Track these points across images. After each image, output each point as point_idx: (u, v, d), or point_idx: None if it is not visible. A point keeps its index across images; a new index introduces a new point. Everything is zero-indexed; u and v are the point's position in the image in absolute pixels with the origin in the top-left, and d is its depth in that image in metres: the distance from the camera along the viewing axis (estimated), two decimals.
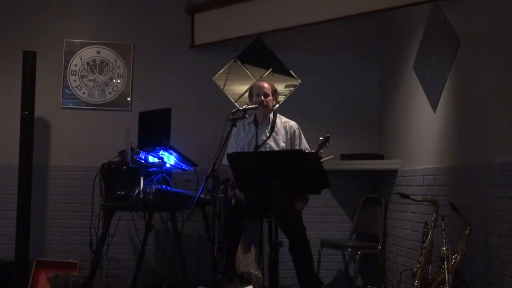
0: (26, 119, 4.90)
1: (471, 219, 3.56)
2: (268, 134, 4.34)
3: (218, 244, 4.20)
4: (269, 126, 4.37)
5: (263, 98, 4.32)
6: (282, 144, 4.33)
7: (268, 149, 4.29)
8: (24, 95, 4.92)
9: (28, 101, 4.91)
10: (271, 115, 4.43)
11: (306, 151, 4.28)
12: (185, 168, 4.75)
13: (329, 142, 4.09)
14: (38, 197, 5.12)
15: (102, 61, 5.42)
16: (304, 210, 4.23)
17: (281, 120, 4.44)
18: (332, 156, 4.25)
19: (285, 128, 4.39)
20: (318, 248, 4.95)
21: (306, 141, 4.40)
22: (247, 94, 4.70)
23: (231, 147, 4.32)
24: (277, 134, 4.35)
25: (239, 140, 4.42)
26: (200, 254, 4.97)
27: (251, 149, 4.32)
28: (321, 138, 4.11)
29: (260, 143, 4.32)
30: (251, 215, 4.25)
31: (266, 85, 4.40)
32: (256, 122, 4.40)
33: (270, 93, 4.37)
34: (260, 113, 4.39)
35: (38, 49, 5.04)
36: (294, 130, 4.39)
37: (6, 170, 5.14)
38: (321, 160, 4.08)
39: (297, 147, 4.35)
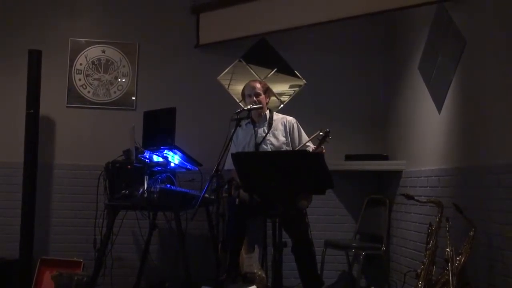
0: (31, 118, 4.91)
1: (475, 221, 3.55)
2: (266, 131, 4.35)
3: (222, 244, 4.21)
4: (266, 123, 4.39)
5: (254, 98, 4.33)
6: (282, 139, 4.34)
7: (268, 145, 4.31)
8: (29, 93, 4.94)
9: (33, 100, 4.93)
10: (267, 112, 4.45)
11: (308, 144, 4.29)
12: (190, 168, 4.75)
13: (329, 137, 4.04)
14: (43, 196, 5.15)
15: (107, 60, 5.43)
16: (308, 210, 4.23)
17: (278, 116, 4.47)
18: (319, 132, 4.04)
19: (283, 123, 4.41)
20: (322, 249, 4.95)
21: (310, 143, 4.39)
22: None
23: (231, 150, 4.31)
24: (275, 130, 4.37)
25: (239, 142, 4.43)
26: (203, 254, 4.97)
27: (251, 148, 4.33)
28: (321, 133, 4.03)
29: (259, 140, 4.33)
30: (255, 215, 4.25)
31: (257, 85, 4.42)
32: (253, 122, 4.41)
33: (261, 92, 4.38)
34: (255, 112, 4.40)
35: (44, 48, 5.06)
36: (292, 125, 4.41)
37: (10, 168, 5.16)
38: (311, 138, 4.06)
39: (297, 141, 4.36)
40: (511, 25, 3.42)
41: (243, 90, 4.53)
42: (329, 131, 4.03)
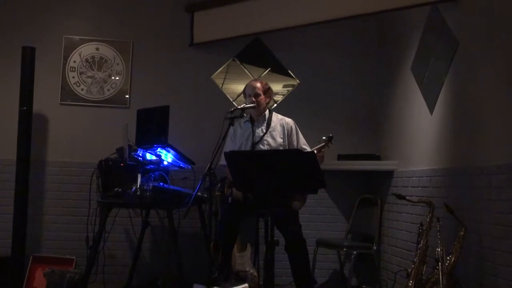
0: (24, 115, 4.90)
1: (466, 221, 3.58)
2: (264, 131, 4.36)
3: (214, 242, 4.21)
4: (265, 123, 4.40)
5: (253, 98, 4.34)
6: (280, 140, 4.35)
7: (265, 145, 4.32)
8: (22, 90, 4.92)
9: (26, 97, 4.92)
10: (267, 112, 4.46)
11: (304, 146, 4.33)
12: (183, 166, 4.76)
13: (331, 142, 4.12)
14: (35, 193, 5.14)
15: (101, 58, 5.43)
16: (300, 210, 4.24)
17: (277, 117, 4.47)
18: (323, 144, 4.18)
19: (281, 125, 4.41)
20: (314, 248, 4.97)
21: (308, 147, 4.41)
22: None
23: (228, 147, 4.33)
24: (273, 130, 4.37)
25: (236, 140, 4.44)
26: (196, 252, 4.98)
27: (249, 147, 4.34)
28: (324, 137, 4.12)
29: (257, 140, 4.34)
30: (247, 214, 4.26)
31: (258, 85, 4.42)
32: (252, 120, 4.43)
33: (261, 92, 4.38)
34: (254, 112, 4.41)
35: (37, 45, 5.05)
36: (291, 126, 4.42)
37: (3, 165, 5.16)
38: (317, 147, 4.11)
39: (295, 143, 4.37)
40: (503, 27, 3.45)
41: (244, 89, 4.54)
42: (332, 136, 4.09)
